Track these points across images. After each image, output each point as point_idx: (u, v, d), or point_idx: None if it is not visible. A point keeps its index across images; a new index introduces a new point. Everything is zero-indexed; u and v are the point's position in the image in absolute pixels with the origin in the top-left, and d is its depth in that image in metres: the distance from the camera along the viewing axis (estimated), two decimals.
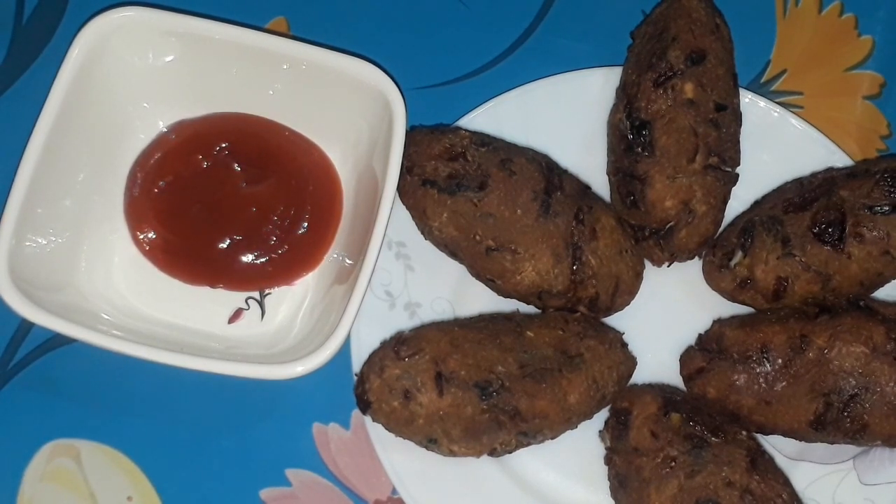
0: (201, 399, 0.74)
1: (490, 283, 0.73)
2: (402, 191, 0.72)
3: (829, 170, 0.76)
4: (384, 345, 0.70)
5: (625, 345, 0.73)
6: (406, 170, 0.71)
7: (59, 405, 0.75)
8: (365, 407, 0.68)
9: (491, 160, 0.71)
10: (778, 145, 0.78)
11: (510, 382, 0.67)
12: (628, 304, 0.75)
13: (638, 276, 0.75)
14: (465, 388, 0.66)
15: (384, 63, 0.73)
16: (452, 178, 0.70)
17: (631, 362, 0.73)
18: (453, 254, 0.73)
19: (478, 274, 0.73)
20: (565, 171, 0.75)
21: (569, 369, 0.68)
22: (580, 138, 0.79)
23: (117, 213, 0.75)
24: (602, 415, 0.72)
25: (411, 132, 0.73)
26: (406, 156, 0.71)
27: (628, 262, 0.73)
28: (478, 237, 0.70)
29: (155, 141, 0.76)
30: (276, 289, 0.76)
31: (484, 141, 0.72)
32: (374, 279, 0.74)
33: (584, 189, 0.75)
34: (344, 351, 0.72)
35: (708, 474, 0.65)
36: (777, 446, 0.73)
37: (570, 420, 0.69)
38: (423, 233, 0.74)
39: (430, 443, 0.68)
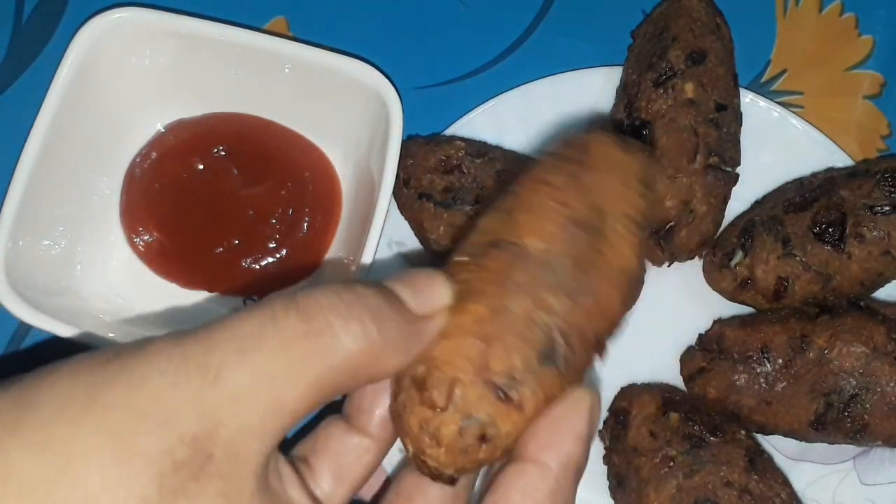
0: None
1: None
2: (401, 203, 0.73)
3: (830, 170, 0.76)
4: None
5: None
6: (403, 182, 0.71)
7: None
8: None
9: (487, 172, 0.71)
10: (778, 145, 0.78)
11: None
12: None
13: None
14: None
15: (384, 63, 0.72)
16: (448, 192, 0.70)
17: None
18: None
19: None
20: None
21: None
22: None
23: (114, 214, 0.75)
24: (601, 415, 0.72)
25: (408, 142, 0.72)
26: (402, 168, 0.71)
27: None
28: None
29: (152, 142, 0.76)
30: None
31: (480, 151, 0.72)
32: (373, 279, 0.74)
33: None
34: None
35: (706, 474, 0.65)
36: (777, 446, 0.73)
37: None
38: (421, 243, 0.74)
39: None
